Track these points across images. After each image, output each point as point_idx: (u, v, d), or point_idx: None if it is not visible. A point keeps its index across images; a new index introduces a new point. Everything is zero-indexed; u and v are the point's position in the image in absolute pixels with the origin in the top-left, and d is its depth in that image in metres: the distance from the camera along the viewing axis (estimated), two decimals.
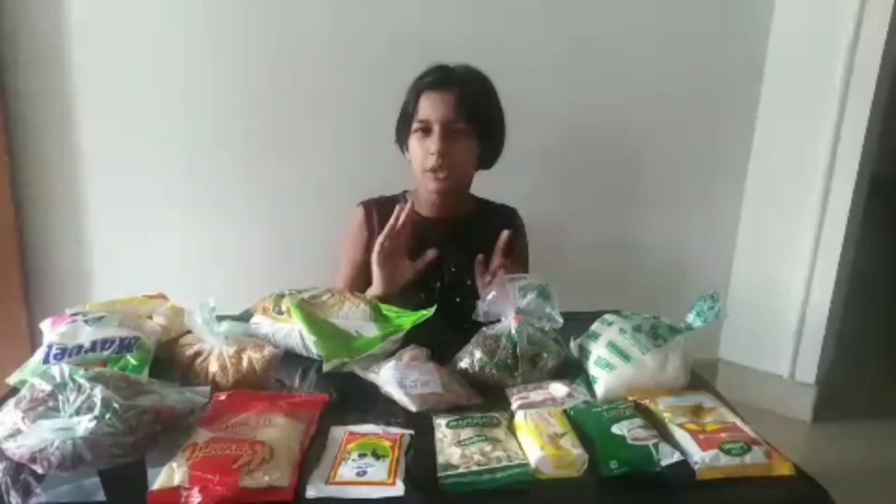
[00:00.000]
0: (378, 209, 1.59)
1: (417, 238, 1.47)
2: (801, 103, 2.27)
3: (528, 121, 2.06)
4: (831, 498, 0.81)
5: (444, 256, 1.48)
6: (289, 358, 1.13)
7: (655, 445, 0.85)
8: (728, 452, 0.85)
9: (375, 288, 1.41)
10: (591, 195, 2.35)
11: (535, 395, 1.02)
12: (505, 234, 1.42)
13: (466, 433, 0.89)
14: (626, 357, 1.04)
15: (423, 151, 1.47)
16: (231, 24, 2.06)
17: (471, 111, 1.46)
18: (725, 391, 1.05)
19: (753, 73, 2.34)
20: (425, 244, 1.48)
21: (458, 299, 1.47)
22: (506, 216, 1.67)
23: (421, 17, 2.11)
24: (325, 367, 1.07)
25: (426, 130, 1.46)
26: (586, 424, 0.92)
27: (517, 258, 1.60)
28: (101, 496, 0.76)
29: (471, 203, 1.64)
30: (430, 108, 1.46)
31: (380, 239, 1.39)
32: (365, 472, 0.80)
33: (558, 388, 1.03)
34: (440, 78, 1.49)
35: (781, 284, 2.41)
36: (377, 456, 0.84)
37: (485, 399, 1.03)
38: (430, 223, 1.56)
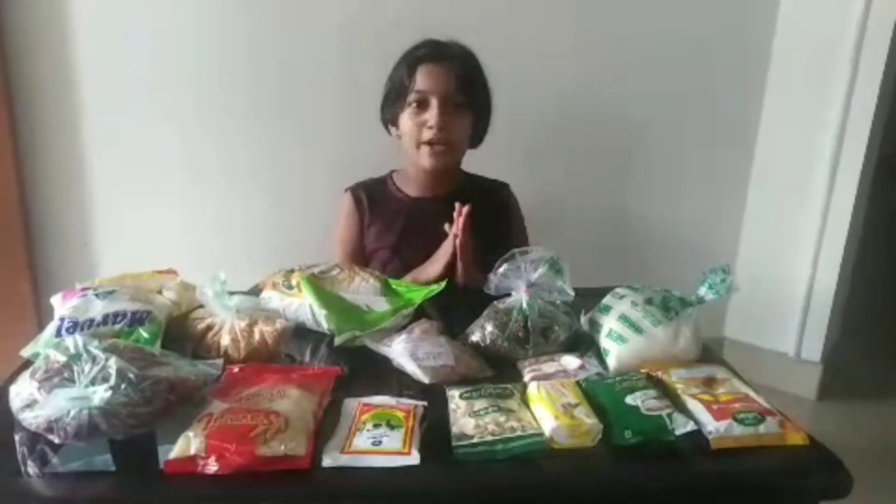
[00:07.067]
0: (366, 192, 1.58)
1: (408, 219, 1.47)
2: (810, 80, 2.25)
3: (535, 98, 2.05)
4: (845, 466, 0.81)
5: (435, 236, 1.45)
6: (300, 332, 1.13)
7: (669, 415, 0.85)
8: (742, 422, 0.85)
9: (434, 272, 1.38)
10: (597, 172, 2.33)
11: (547, 368, 1.02)
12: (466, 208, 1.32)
13: (480, 404, 0.89)
14: (638, 329, 1.04)
15: (417, 125, 1.44)
16: None
17: (468, 86, 1.45)
18: None
19: (762, 50, 2.31)
20: (415, 225, 1.47)
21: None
22: (497, 191, 1.65)
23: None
24: (337, 341, 1.07)
25: (422, 104, 1.44)
26: (600, 395, 0.92)
27: (515, 233, 1.60)
28: (113, 466, 0.76)
29: (461, 180, 1.61)
30: (427, 80, 1.43)
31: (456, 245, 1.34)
32: (380, 442, 0.81)
33: (570, 361, 1.03)
34: (437, 51, 1.47)
35: (787, 263, 2.40)
36: (391, 426, 0.84)
37: (496, 372, 1.03)
38: (420, 203, 1.54)
